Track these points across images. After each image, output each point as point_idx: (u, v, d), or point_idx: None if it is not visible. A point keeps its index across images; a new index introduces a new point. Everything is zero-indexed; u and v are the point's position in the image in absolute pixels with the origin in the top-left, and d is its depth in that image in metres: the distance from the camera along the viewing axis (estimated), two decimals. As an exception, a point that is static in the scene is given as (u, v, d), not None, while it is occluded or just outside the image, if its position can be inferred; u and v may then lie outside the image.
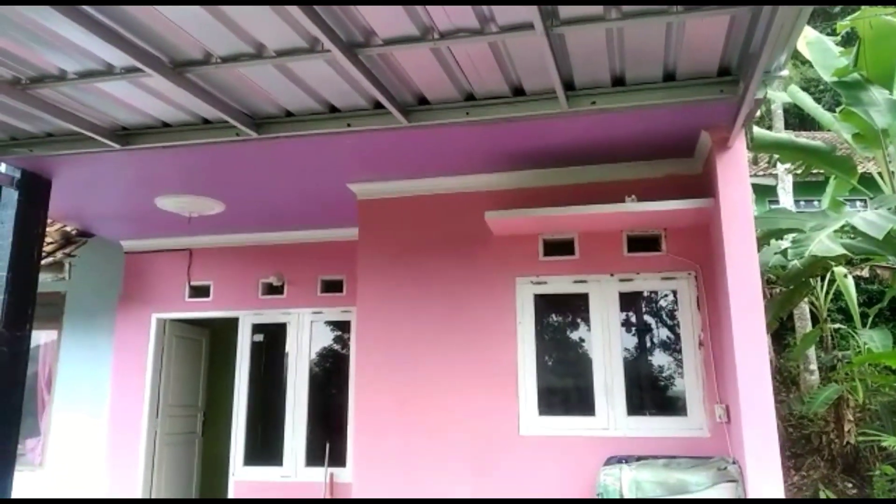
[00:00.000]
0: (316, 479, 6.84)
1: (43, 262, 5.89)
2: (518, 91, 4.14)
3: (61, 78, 3.84)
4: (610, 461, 4.72)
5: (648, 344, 5.33)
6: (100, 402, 7.52)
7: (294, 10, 3.00)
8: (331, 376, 7.33)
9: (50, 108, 4.15)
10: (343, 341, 7.35)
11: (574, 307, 5.40)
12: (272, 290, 7.47)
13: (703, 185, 4.97)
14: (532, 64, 3.75)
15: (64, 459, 7.50)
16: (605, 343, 5.18)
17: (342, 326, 7.35)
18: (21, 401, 5.24)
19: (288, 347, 7.35)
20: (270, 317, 7.45)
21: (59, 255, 6.86)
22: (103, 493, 7.21)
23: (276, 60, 3.61)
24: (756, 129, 7.59)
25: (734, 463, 4.45)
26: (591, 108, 4.10)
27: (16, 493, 5.00)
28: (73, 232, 7.27)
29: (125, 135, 4.64)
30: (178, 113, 4.35)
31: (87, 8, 3.07)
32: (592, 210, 4.86)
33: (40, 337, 7.90)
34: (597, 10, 3.23)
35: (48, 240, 5.71)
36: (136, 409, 7.39)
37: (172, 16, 3.17)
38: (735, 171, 4.53)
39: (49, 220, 6.05)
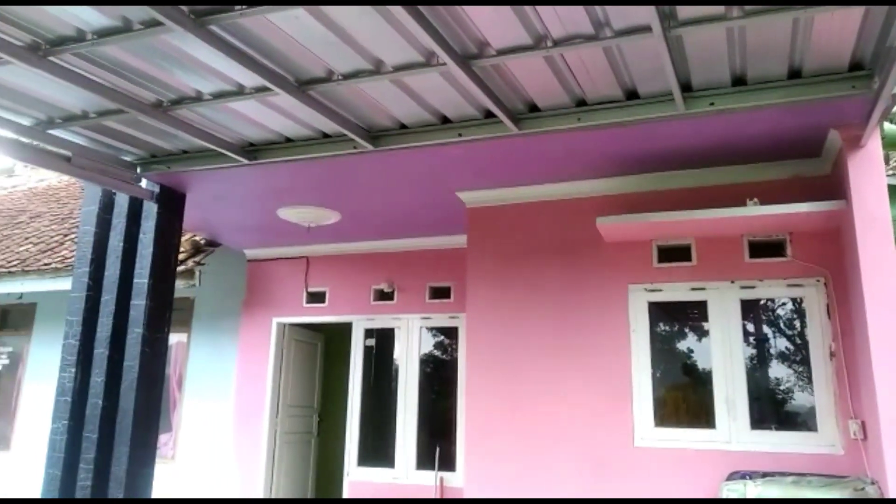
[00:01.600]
0: (426, 483, 6.97)
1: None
2: (632, 94, 4.07)
3: (198, 99, 4.15)
4: (733, 476, 4.52)
5: (772, 354, 5.07)
6: (225, 399, 8.01)
7: (412, 26, 3.10)
8: (439, 381, 7.45)
9: (186, 127, 4.49)
10: (451, 347, 7.46)
11: (691, 315, 5.22)
12: (383, 296, 7.69)
13: (833, 187, 4.68)
14: (647, 66, 3.68)
15: (193, 453, 8.04)
16: (726, 352, 4.97)
17: (450, 332, 7.46)
18: (160, 397, 5.67)
19: (397, 352, 7.54)
20: (381, 322, 7.68)
21: (190, 263, 7.37)
22: (229, 487, 7.67)
23: (393, 75, 3.74)
24: (886, 126, 7.04)
25: (873, 483, 4.14)
26: (709, 110, 3.96)
27: (155, 483, 5.42)
28: (202, 241, 7.80)
29: (252, 150, 4.95)
30: (300, 128, 4.59)
31: (222, 33, 3.31)
32: (711, 215, 4.68)
33: (171, 339, 8.50)
34: (718, 9, 3.13)
35: (181, 249, 6.16)
36: (258, 408, 7.82)
37: (300, 37, 3.36)
38: (870, 172, 4.24)
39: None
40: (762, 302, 5.11)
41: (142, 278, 5.44)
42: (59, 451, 5.25)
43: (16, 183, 15.76)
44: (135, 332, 5.35)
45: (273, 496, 7.75)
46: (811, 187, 4.79)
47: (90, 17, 3.23)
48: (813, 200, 4.53)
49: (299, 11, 3.10)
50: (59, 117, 4.48)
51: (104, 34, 3.37)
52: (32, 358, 9.28)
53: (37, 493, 5.26)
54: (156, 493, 5.43)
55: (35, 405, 8.72)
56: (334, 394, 8.75)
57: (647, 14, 3.05)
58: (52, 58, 3.55)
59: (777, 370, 5.02)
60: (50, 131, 4.63)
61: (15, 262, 8.36)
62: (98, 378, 5.30)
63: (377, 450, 7.41)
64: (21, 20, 3.27)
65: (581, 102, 4.18)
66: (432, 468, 6.96)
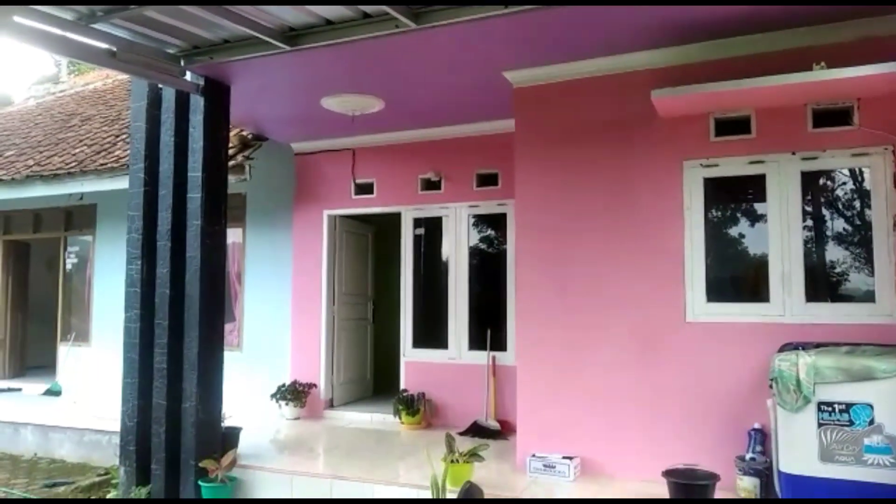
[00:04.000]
0: (479, 362, 7.23)
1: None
2: (690, -48, 3.79)
3: (236, -19, 4.04)
4: (785, 348, 4.54)
5: (833, 227, 4.93)
6: (283, 291, 8.33)
7: None
8: (488, 267, 7.55)
9: (226, 13, 4.40)
10: (499, 235, 7.50)
11: (749, 190, 5.07)
12: (430, 185, 7.70)
13: (908, 46, 4.36)
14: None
15: (257, 342, 8.48)
16: (784, 226, 4.85)
17: (498, 220, 7.47)
18: (224, 286, 5.95)
19: (446, 241, 7.63)
20: (429, 211, 7.73)
21: (239, 158, 7.45)
22: (293, 371, 8.12)
23: (434, -58, 3.56)
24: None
25: (931, 351, 4.12)
26: (775, -36, 3.67)
27: (224, 368, 5.77)
28: (250, 136, 7.85)
29: (293, 35, 4.86)
30: (340, 9, 4.47)
31: None
32: (773, 82, 4.43)
33: (228, 237, 8.77)
34: None
35: (229, 144, 6.22)
36: (314, 297, 8.12)
37: None
38: (952, 25, 3.92)
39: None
40: (826, 173, 4.91)
41: (195, 171, 5.56)
42: (135, 336, 5.61)
43: (63, 89, 15.97)
44: (193, 225, 5.53)
45: (335, 376, 8.19)
46: (883, 48, 4.46)
47: None
48: (884, 62, 4.23)
49: None
50: (101, 10, 4.45)
51: (137, -87, 3.26)
52: (98, 256, 9.75)
53: (118, 378, 5.67)
54: (226, 378, 5.79)
55: (107, 300, 9.24)
56: (387, 282, 8.99)
57: None
58: (87, -58, 3.48)
59: (837, 243, 4.90)
60: (93, 25, 4.61)
61: (73, 164, 8.62)
62: (163, 269, 5.56)
63: (430, 334, 7.67)
64: None
65: (634, -36, 3.92)
66: (484, 349, 7.19)
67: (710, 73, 4.87)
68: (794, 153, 4.84)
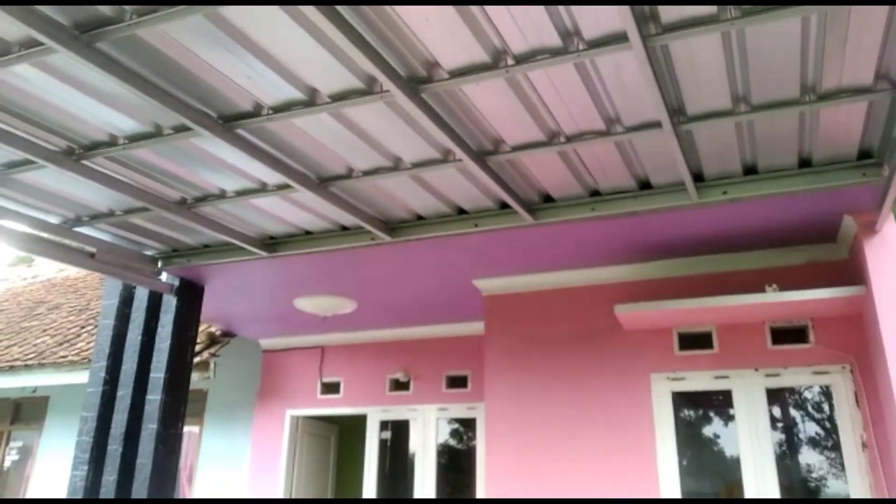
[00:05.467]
0: (445, 584, 6.65)
1: (193, 361, 6.34)
2: (645, 185, 4.16)
3: (221, 196, 4.27)
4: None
5: (802, 443, 4.91)
6: (238, 492, 7.78)
7: (430, 126, 3.22)
8: (456, 472, 7.23)
9: (209, 222, 4.59)
10: (469, 438, 7.28)
11: (716, 404, 5.11)
12: (399, 385, 7.60)
13: (852, 271, 4.67)
14: (659, 159, 3.77)
15: (203, 554, 7.75)
16: (754, 442, 4.82)
17: (468, 423, 7.30)
18: (173, 493, 5.54)
19: (413, 444, 7.37)
20: (397, 413, 7.54)
21: (205, 354, 7.35)
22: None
23: (411, 171, 3.86)
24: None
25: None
26: (722, 199, 4.03)
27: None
28: (218, 332, 7.80)
29: (272, 243, 5.04)
30: (320, 221, 4.69)
31: (248, 136, 3.45)
32: (730, 302, 4.66)
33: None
34: (725, 103, 3.23)
35: (197, 341, 6.17)
36: None
37: (323, 138, 3.50)
38: (887, 256, 4.24)
39: (199, 323, 6.55)
40: (790, 390, 4.99)
41: (158, 372, 5.42)
42: (68, 553, 5.09)
43: (36, 272, 16.01)
44: (149, 428, 5.29)
45: None
46: (830, 272, 4.78)
47: (124, 123, 3.38)
48: (832, 286, 4.51)
49: (323, 115, 3.23)
50: (87, 215, 4.61)
51: (135, 139, 3.52)
52: (42, 453, 9.13)
53: None
54: None
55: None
56: (348, 487, 8.50)
57: (656, 111, 3.15)
58: (85, 161, 3.70)
59: (808, 459, 4.86)
60: (76, 229, 4.75)
61: (32, 355, 8.37)
62: (111, 476, 5.20)
63: (394, 546, 7.12)
64: (59, 127, 3.43)
65: (595, 192, 4.27)
66: (451, 568, 6.66)
67: (672, 289, 5.11)
68: (756, 369, 4.95)
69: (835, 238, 4.84)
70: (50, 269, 16.16)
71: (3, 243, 4.46)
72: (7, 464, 9.45)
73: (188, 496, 8.09)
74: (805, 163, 3.87)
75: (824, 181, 3.85)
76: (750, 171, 3.96)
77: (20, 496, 9.06)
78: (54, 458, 8.72)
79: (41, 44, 2.70)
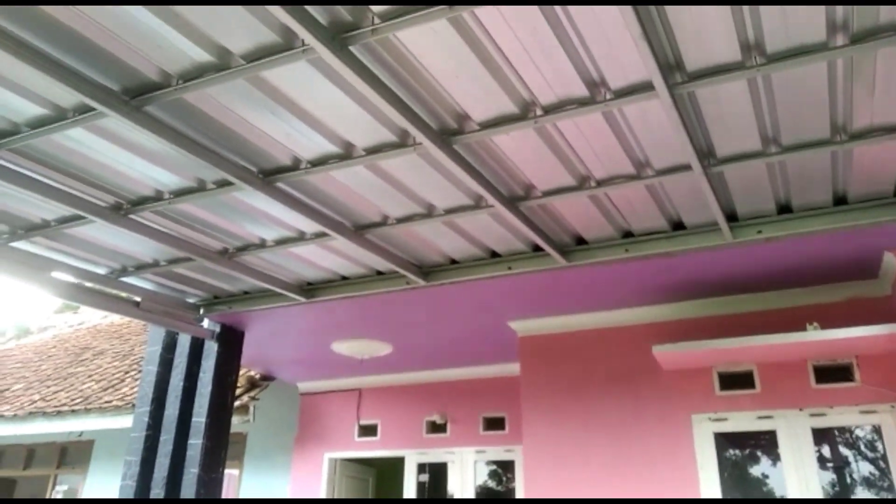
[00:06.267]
0: None
1: (233, 406, 6.44)
2: (678, 225, 4.16)
3: (261, 245, 4.40)
4: None
5: (856, 483, 4.74)
6: (276, 541, 7.79)
7: (461, 175, 3.30)
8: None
9: (249, 270, 4.72)
10: (508, 480, 7.19)
11: (761, 445, 4.98)
12: (436, 428, 7.57)
13: (895, 308, 4.56)
14: (691, 200, 3.78)
15: None
16: (801, 483, 4.68)
17: (506, 465, 7.22)
18: (213, 541, 5.57)
19: (451, 486, 7.30)
20: (435, 455, 7.51)
21: (245, 398, 7.46)
22: None
23: (444, 217, 3.93)
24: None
25: None
26: (757, 238, 4.00)
27: None
28: (257, 376, 7.92)
29: (310, 289, 5.14)
30: (356, 267, 4.79)
31: (288, 188, 3.57)
32: (770, 340, 4.58)
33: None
34: (755, 145, 3.24)
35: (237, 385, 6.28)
36: (309, 550, 7.57)
37: (358, 189, 3.60)
38: (932, 292, 4.15)
39: (239, 367, 6.67)
40: (836, 429, 4.85)
41: (200, 417, 5.52)
42: None
43: (82, 319, 16.48)
44: (191, 473, 5.36)
45: None
46: (872, 309, 4.68)
47: (169, 179, 3.54)
48: (875, 323, 4.41)
49: (358, 167, 3.35)
50: (132, 266, 4.78)
51: (180, 193, 3.67)
52: (87, 496, 9.28)
53: None
54: None
55: (87, 547, 8.62)
56: (387, 532, 8.44)
57: (685, 155, 3.18)
58: (132, 215, 3.86)
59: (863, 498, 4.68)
60: (122, 279, 4.92)
61: (78, 400, 8.59)
62: (154, 521, 5.27)
63: None
64: (108, 184, 3.60)
65: (627, 234, 4.28)
66: None
67: (709, 328, 5.05)
68: (801, 409, 4.83)
69: (876, 274, 4.74)
70: (95, 316, 16.62)
71: (54, 294, 4.65)
72: (53, 508, 9.62)
73: (228, 540, 8.11)
74: (840, 200, 3.83)
75: (861, 218, 3.81)
76: (784, 209, 3.94)
77: (65, 540, 9.19)
78: None
79: (93, 109, 2.86)
